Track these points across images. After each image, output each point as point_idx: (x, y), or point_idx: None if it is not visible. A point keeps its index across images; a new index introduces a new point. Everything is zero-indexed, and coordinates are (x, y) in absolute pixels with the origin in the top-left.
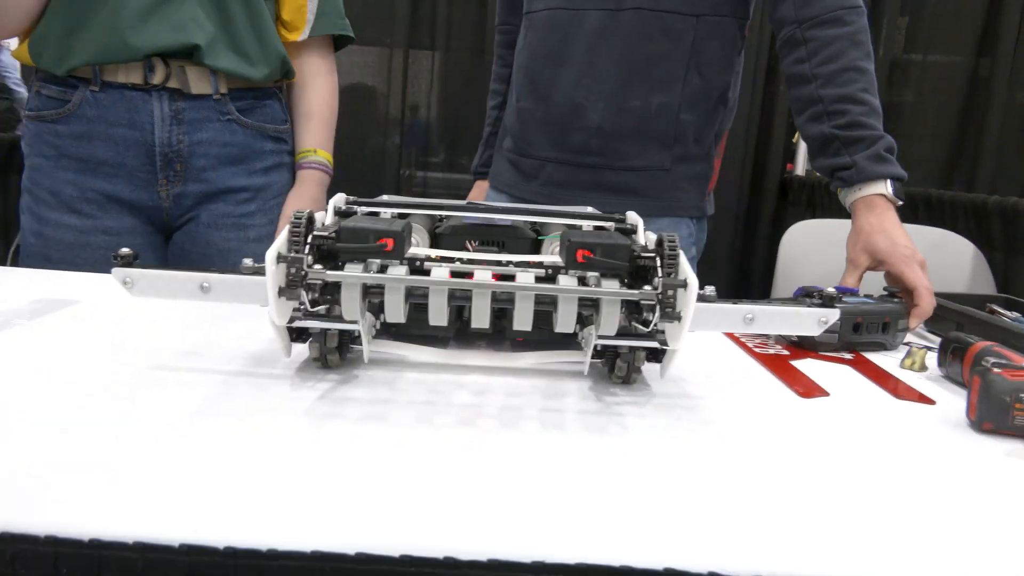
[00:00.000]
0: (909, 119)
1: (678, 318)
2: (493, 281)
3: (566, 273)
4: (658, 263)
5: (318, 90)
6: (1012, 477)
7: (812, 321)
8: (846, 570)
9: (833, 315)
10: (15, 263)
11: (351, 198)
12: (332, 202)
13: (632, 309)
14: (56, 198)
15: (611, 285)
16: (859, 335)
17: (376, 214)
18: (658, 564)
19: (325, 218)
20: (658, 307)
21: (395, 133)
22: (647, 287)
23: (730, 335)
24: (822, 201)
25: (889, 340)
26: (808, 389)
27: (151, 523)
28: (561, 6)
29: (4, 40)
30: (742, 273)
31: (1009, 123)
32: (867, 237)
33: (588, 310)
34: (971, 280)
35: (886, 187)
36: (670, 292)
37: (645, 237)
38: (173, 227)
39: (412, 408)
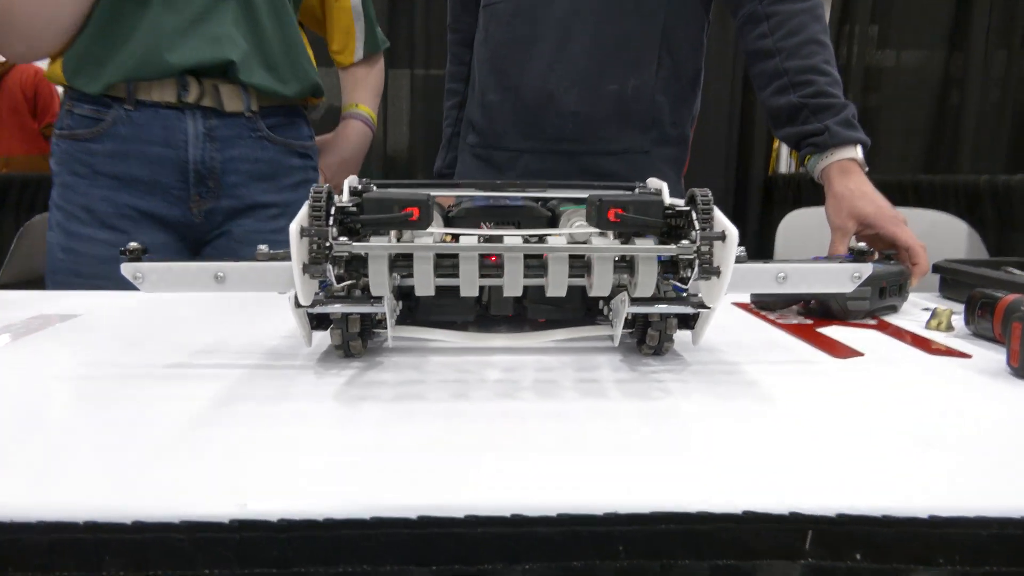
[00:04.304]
0: (886, 116)
1: (717, 273)
2: (525, 245)
3: (599, 234)
4: (693, 216)
5: (366, 76)
6: None
7: (846, 277)
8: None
9: (867, 269)
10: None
11: (364, 180)
12: (347, 182)
13: (666, 269)
14: (90, 215)
15: (645, 241)
16: (883, 299)
17: None
18: (735, 507)
19: (343, 196)
20: (696, 262)
21: (378, 152)
22: (685, 241)
23: (750, 309)
24: (808, 198)
25: (899, 301)
26: (842, 351)
27: (195, 502)
28: None
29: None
30: None
31: (984, 115)
32: (850, 203)
33: (622, 271)
34: (967, 257)
35: (857, 152)
36: (709, 245)
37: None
38: (203, 242)
39: (446, 387)
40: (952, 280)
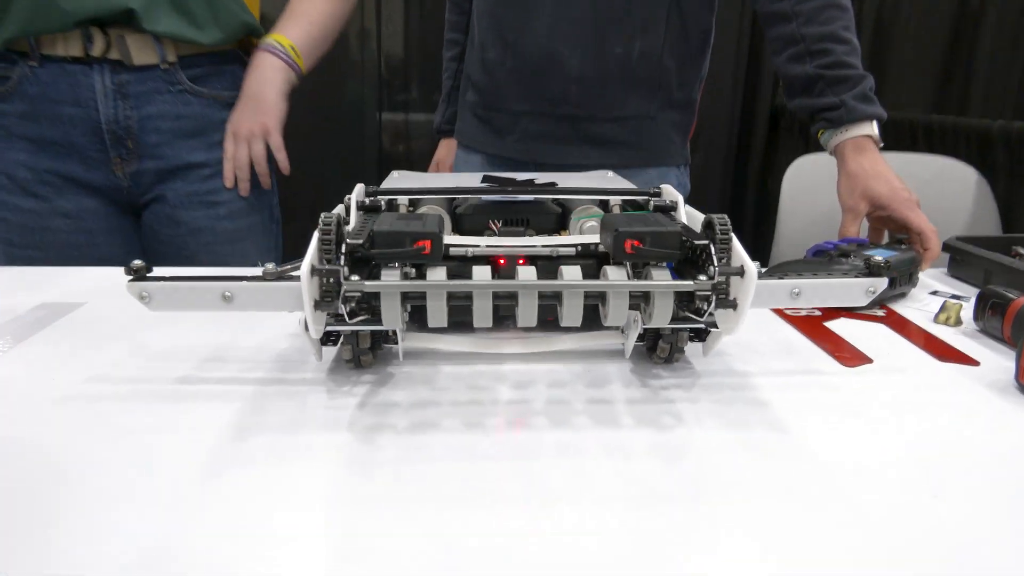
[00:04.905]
0: (897, 44)
1: (734, 306)
2: (540, 282)
3: (613, 263)
4: (712, 248)
5: (300, 2)
6: None
7: (860, 292)
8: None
9: (882, 284)
10: None
11: (371, 188)
12: (354, 197)
13: (683, 298)
14: (12, 181)
15: (661, 274)
16: (892, 289)
17: (395, 204)
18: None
19: (349, 212)
20: (713, 297)
21: (373, 76)
22: (702, 276)
23: None
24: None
25: (909, 288)
26: (851, 357)
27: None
28: None
29: None
30: (734, 206)
31: (999, 46)
32: (864, 183)
33: (638, 301)
34: (974, 208)
35: (872, 128)
36: (725, 284)
37: (685, 211)
38: (139, 206)
39: (458, 411)
40: (961, 260)
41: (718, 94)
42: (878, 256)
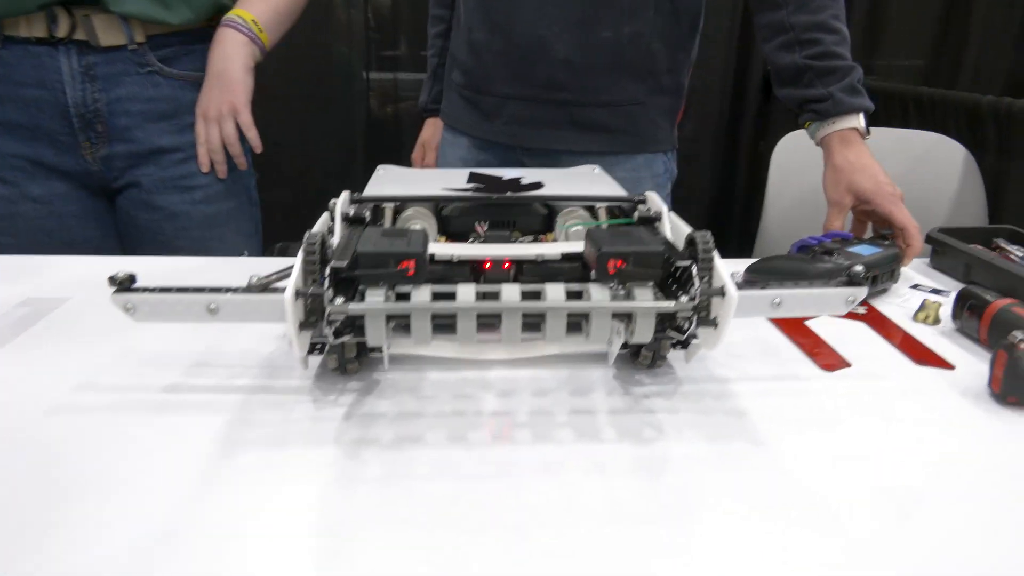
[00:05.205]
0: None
1: (715, 324)
2: (523, 303)
3: (595, 281)
4: (693, 270)
5: None
6: None
7: (840, 301)
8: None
9: (862, 293)
10: None
11: (355, 195)
12: (339, 208)
13: (666, 316)
14: None
15: (644, 293)
16: (874, 286)
17: (380, 209)
18: None
19: (334, 221)
20: (695, 318)
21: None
22: (683, 297)
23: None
24: None
25: (890, 284)
26: (831, 361)
27: None
28: None
29: None
30: (725, 173)
31: (992, 22)
32: (849, 176)
33: (621, 320)
34: (962, 185)
35: (859, 120)
36: (706, 304)
37: (669, 220)
38: (112, 190)
39: (443, 423)
40: (942, 252)
41: (711, 61)
42: (862, 251)
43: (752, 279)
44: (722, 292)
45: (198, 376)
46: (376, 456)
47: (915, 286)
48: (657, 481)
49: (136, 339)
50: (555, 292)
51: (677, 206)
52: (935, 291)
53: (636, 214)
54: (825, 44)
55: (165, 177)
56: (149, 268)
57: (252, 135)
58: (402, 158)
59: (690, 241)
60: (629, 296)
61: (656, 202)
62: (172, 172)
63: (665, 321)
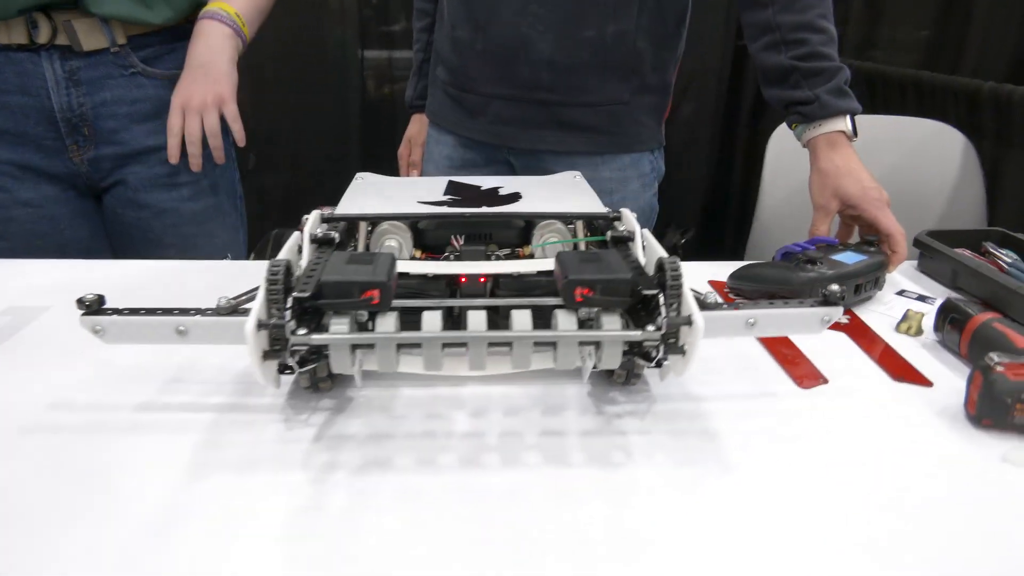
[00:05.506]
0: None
1: (682, 352)
2: (489, 333)
3: (563, 308)
4: (660, 299)
5: None
6: (1005, 486)
7: (815, 321)
8: None
9: (836, 312)
10: None
11: (327, 213)
12: (307, 230)
13: (634, 343)
14: None
15: (611, 320)
16: (858, 295)
17: (354, 230)
18: None
19: (303, 239)
20: (662, 346)
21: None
22: (650, 327)
23: (725, 295)
24: None
25: (874, 292)
26: (807, 377)
27: None
28: None
29: None
30: (722, 155)
31: (995, 6)
32: (835, 180)
33: (588, 347)
34: (960, 174)
35: (846, 123)
36: (674, 331)
37: (644, 240)
38: (100, 189)
39: (412, 446)
40: (930, 256)
41: (708, 40)
42: (846, 260)
43: (735, 287)
44: (689, 321)
45: (172, 393)
46: (343, 483)
47: (901, 292)
48: (622, 511)
49: (114, 351)
50: (521, 321)
51: (675, 191)
52: (921, 297)
53: (609, 233)
54: (811, 44)
55: (151, 175)
56: (138, 271)
57: (237, 127)
58: (396, 139)
59: (659, 267)
60: (597, 323)
61: (630, 221)
62: (158, 170)
63: (634, 347)
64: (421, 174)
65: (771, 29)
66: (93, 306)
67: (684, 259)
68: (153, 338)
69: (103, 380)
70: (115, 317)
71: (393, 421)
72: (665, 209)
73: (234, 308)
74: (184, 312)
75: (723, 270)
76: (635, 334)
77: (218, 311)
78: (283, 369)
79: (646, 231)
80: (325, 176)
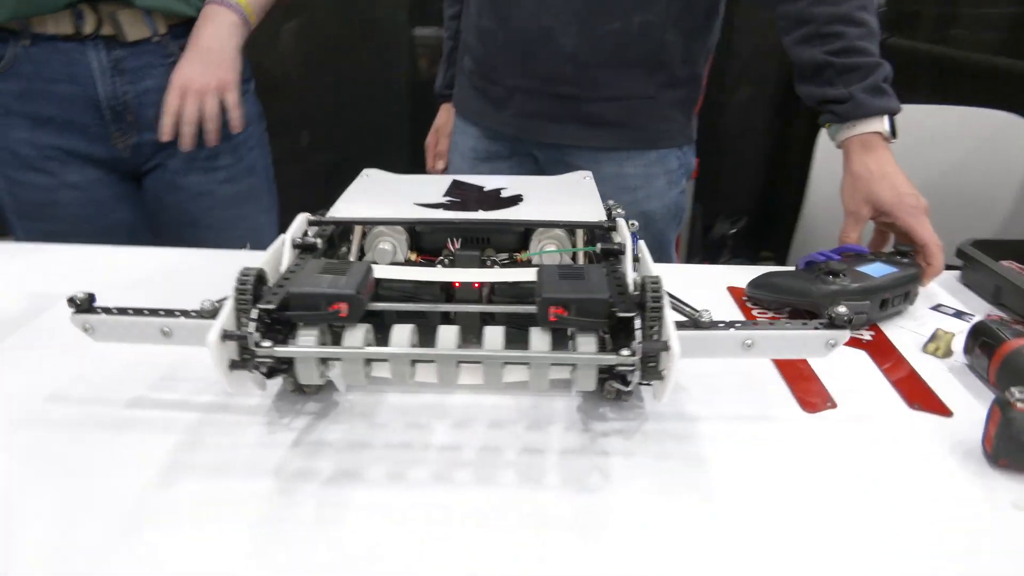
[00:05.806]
0: None
1: (660, 377)
2: (459, 351)
3: (537, 327)
4: (636, 323)
5: None
6: (1015, 535)
7: (819, 344)
8: None
9: (843, 336)
10: None
11: (313, 218)
12: (289, 234)
13: (611, 367)
14: (16, 158)
15: (587, 341)
16: (884, 310)
17: (348, 231)
18: None
19: (285, 245)
20: (638, 371)
21: None
22: (625, 351)
23: (743, 304)
24: None
25: (904, 306)
26: (815, 399)
27: None
28: None
29: None
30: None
31: None
32: (867, 185)
33: (563, 369)
34: None
35: (883, 124)
36: (653, 355)
37: (638, 254)
38: (140, 173)
39: (387, 457)
40: (973, 268)
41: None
42: (873, 272)
43: (753, 295)
44: (666, 347)
45: (163, 390)
46: (312, 494)
47: (936, 307)
48: (592, 540)
49: (114, 345)
50: (492, 340)
51: (728, 178)
52: (958, 314)
53: (599, 245)
54: (848, 38)
55: (190, 158)
56: (163, 258)
57: (237, 115)
58: None
59: (641, 286)
60: (573, 342)
61: (623, 233)
62: (195, 154)
63: (610, 372)
64: (447, 164)
65: (805, 21)
66: (83, 305)
67: (733, 251)
68: (140, 338)
69: (101, 373)
70: (104, 316)
71: (373, 429)
72: (716, 198)
73: (216, 311)
74: (169, 313)
75: (746, 275)
76: (609, 358)
77: (201, 314)
78: (270, 374)
79: (641, 243)
80: (373, 155)
